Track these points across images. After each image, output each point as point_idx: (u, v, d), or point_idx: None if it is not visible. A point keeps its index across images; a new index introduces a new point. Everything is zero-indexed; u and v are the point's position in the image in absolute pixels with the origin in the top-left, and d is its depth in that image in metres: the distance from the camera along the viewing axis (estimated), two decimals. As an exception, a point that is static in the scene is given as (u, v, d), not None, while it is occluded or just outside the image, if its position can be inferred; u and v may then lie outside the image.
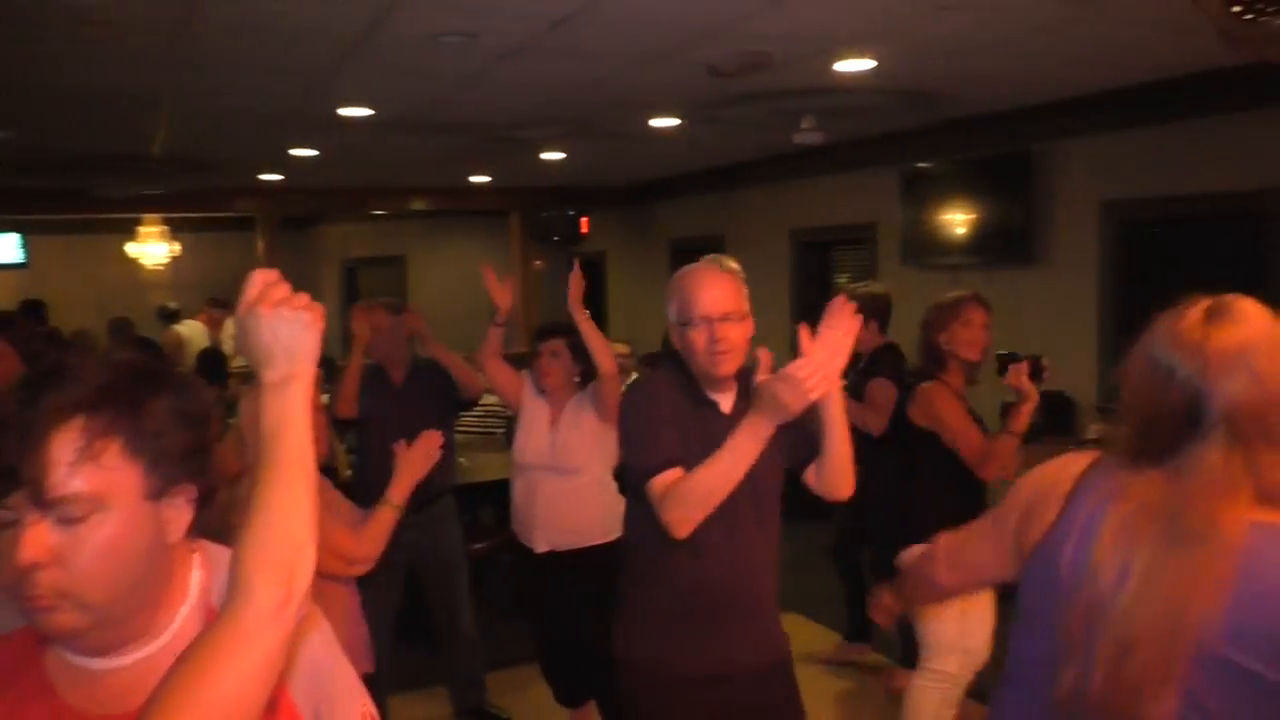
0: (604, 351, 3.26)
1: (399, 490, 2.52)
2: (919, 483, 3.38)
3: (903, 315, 4.54)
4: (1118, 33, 4.08)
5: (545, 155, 7.72)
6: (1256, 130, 4.88)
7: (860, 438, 4.25)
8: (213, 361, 7.36)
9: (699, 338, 2.20)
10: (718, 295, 2.22)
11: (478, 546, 5.20)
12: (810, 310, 8.23)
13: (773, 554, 2.33)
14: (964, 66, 4.73)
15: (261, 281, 1.10)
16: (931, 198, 6.70)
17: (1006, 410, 3.37)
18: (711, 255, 2.38)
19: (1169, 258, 5.55)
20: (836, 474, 2.26)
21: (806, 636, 4.17)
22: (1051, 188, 6.01)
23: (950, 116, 6.16)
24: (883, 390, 4.14)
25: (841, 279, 8.29)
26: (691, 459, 2.07)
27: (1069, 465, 1.41)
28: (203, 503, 1.13)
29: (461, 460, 5.40)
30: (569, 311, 3.33)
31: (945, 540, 1.69)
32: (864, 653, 4.62)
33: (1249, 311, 1.25)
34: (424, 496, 2.71)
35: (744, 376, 2.29)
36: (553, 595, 3.49)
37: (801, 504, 2.47)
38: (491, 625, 4.57)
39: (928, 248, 6.71)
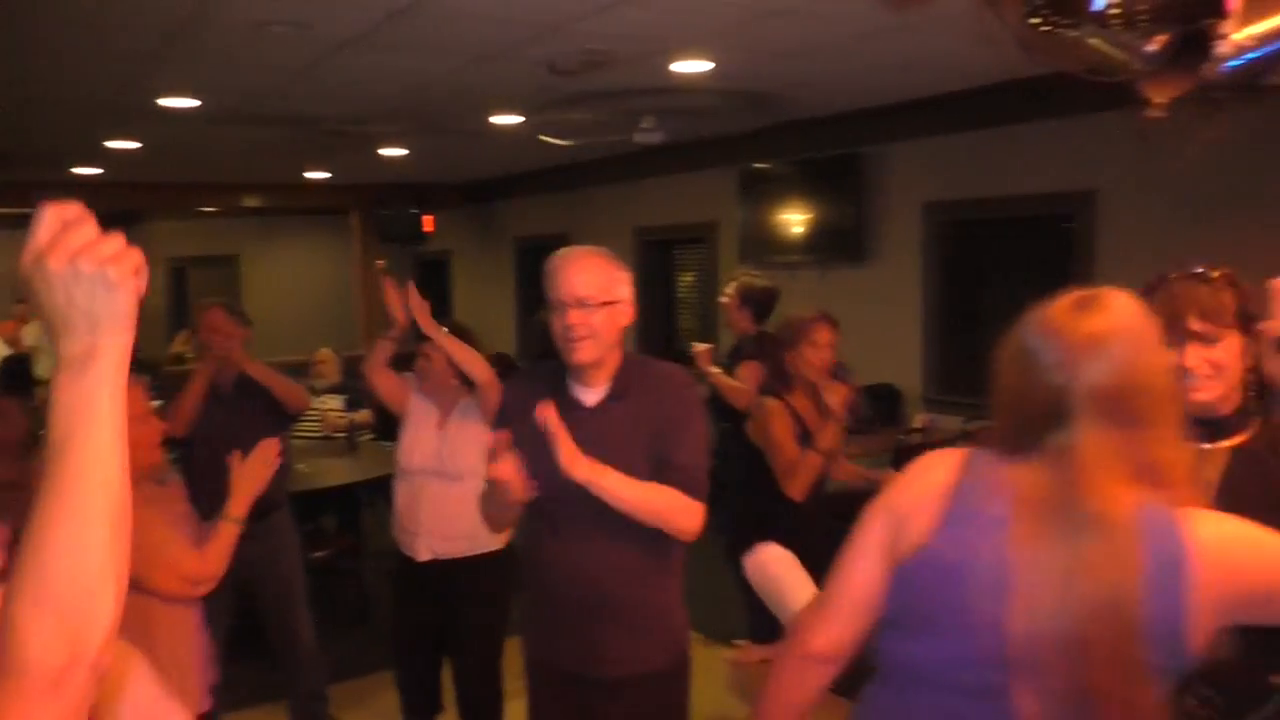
0: (473, 361, 3.16)
1: (239, 504, 2.43)
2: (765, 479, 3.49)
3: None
4: (935, 42, 4.32)
5: (386, 151, 7.55)
6: (1064, 136, 5.24)
7: (722, 418, 4.42)
8: (15, 367, 6.82)
9: (558, 322, 2.13)
10: (577, 279, 2.12)
11: (319, 555, 5.05)
12: (653, 308, 8.39)
13: (643, 563, 2.20)
14: (796, 70, 4.90)
15: (55, 221, 0.84)
16: (768, 198, 6.91)
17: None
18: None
19: (985, 255, 5.91)
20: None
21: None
22: (879, 189, 6.30)
23: (785, 119, 6.37)
24: (751, 371, 4.31)
25: (686, 277, 8.46)
26: (541, 459, 2.04)
27: (934, 467, 1.37)
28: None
29: (301, 466, 5.22)
30: (419, 326, 3.21)
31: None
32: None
33: (1114, 301, 1.26)
34: (258, 509, 2.60)
35: (626, 369, 2.21)
36: (430, 604, 3.36)
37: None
38: (334, 636, 4.43)
39: (766, 246, 6.92)
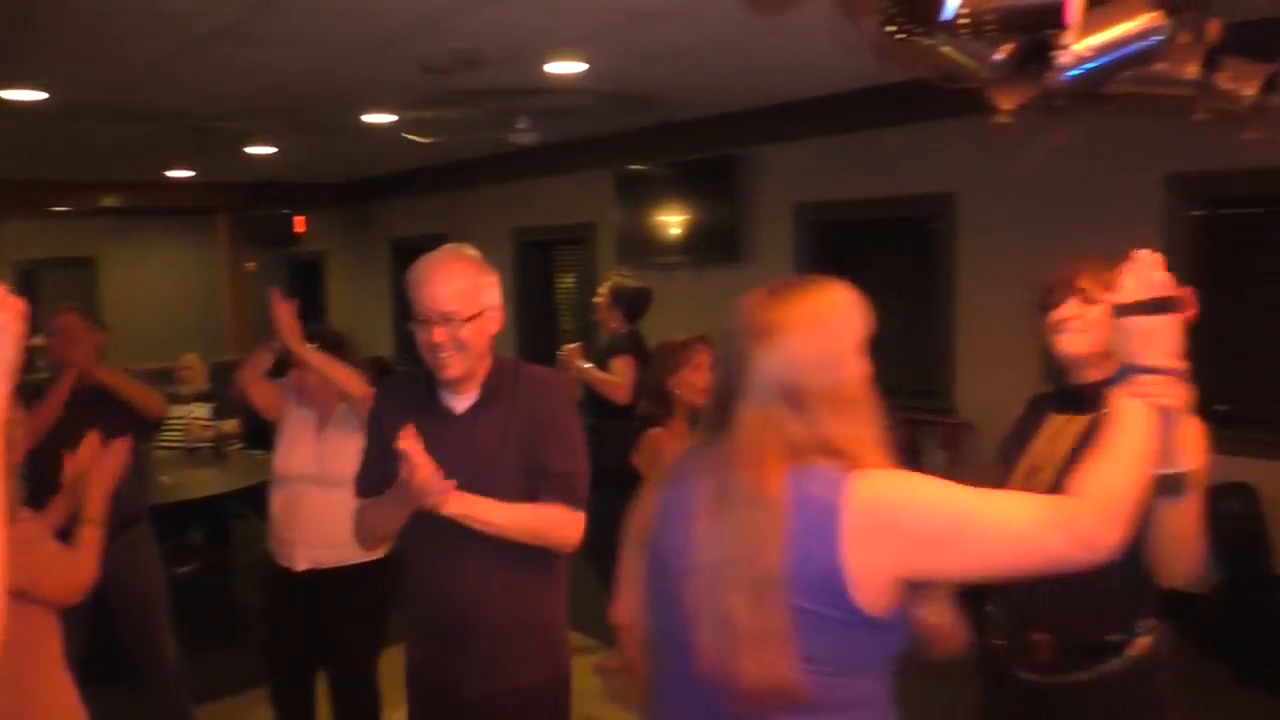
0: (346, 379, 3.06)
1: (94, 504, 2.36)
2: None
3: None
4: (802, 47, 4.44)
5: (253, 150, 7.30)
6: (926, 140, 5.45)
7: (597, 415, 4.43)
8: None
9: (423, 337, 2.02)
10: (441, 291, 2.00)
11: (185, 570, 4.85)
12: (532, 310, 8.37)
13: (520, 578, 2.12)
14: (669, 73, 4.96)
15: None
16: (646, 199, 6.98)
17: None
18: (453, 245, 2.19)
19: (854, 255, 6.10)
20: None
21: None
22: (753, 190, 6.44)
23: (661, 121, 6.44)
24: (624, 365, 4.35)
25: (566, 279, 8.46)
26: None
27: (673, 457, 1.52)
28: None
29: (164, 478, 5.01)
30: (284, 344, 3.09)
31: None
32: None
33: (801, 292, 1.33)
34: (115, 523, 2.49)
35: (497, 373, 2.14)
36: (306, 616, 3.25)
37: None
38: (201, 654, 4.26)
39: (643, 247, 6.98)
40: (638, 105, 5.79)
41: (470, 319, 2.01)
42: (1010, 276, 4.88)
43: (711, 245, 6.56)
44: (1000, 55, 3.32)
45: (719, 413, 1.36)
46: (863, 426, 1.31)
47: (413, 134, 6.10)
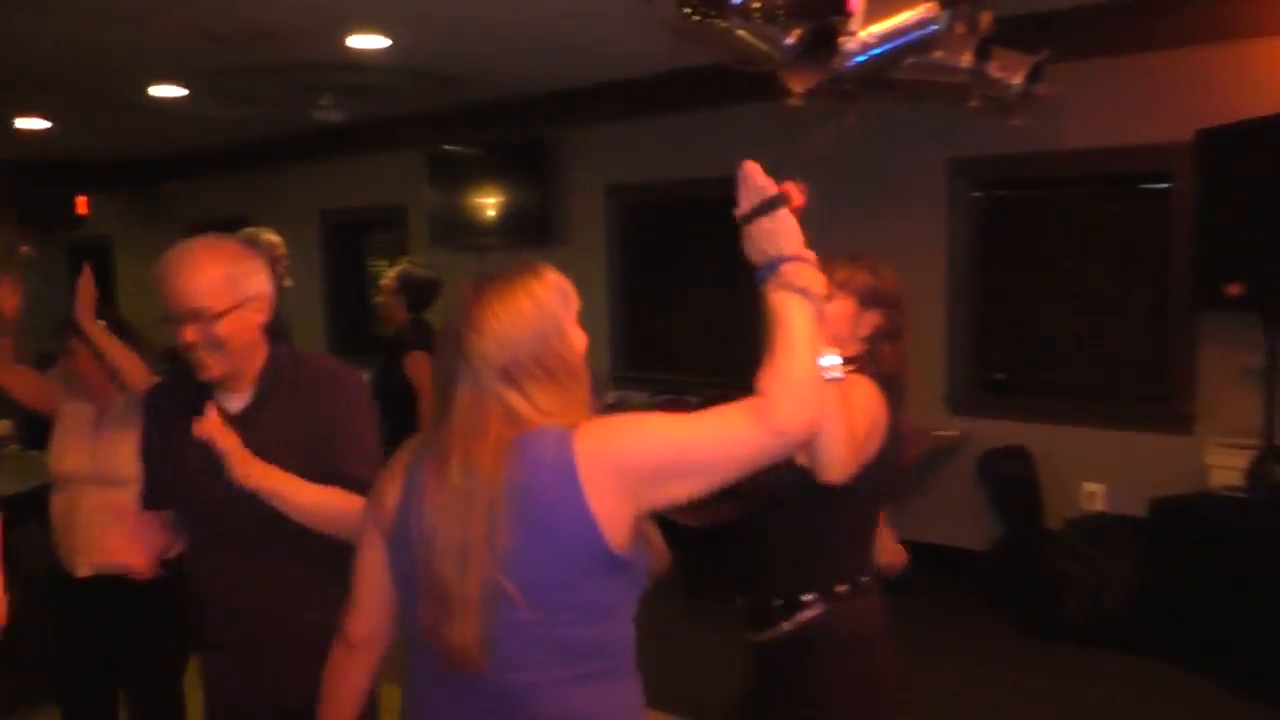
0: (127, 364, 2.80)
1: None
2: None
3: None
4: (608, 29, 4.47)
5: (23, 123, 6.72)
6: (732, 122, 5.57)
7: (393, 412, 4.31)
8: None
9: (178, 336, 1.82)
10: (190, 287, 1.80)
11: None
12: (342, 295, 8.10)
13: (323, 580, 1.88)
14: (476, 51, 4.89)
15: None
16: (459, 180, 6.86)
17: None
18: (215, 232, 2.01)
19: (668, 236, 6.21)
20: None
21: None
22: (565, 172, 6.44)
23: (473, 101, 6.35)
24: (419, 362, 4.20)
25: (381, 263, 8.21)
26: (186, 474, 1.87)
27: (403, 450, 1.49)
28: None
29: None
30: (75, 318, 2.81)
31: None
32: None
33: (509, 278, 1.39)
34: None
35: (274, 368, 1.96)
36: (98, 627, 2.99)
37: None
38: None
39: (457, 229, 6.87)
40: (447, 84, 5.68)
41: (225, 313, 1.81)
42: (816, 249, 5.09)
43: (525, 227, 6.53)
44: (791, 40, 3.46)
45: (443, 398, 1.40)
46: (576, 394, 1.39)
47: (206, 110, 5.76)
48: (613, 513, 1.30)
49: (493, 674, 1.33)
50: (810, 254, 1.44)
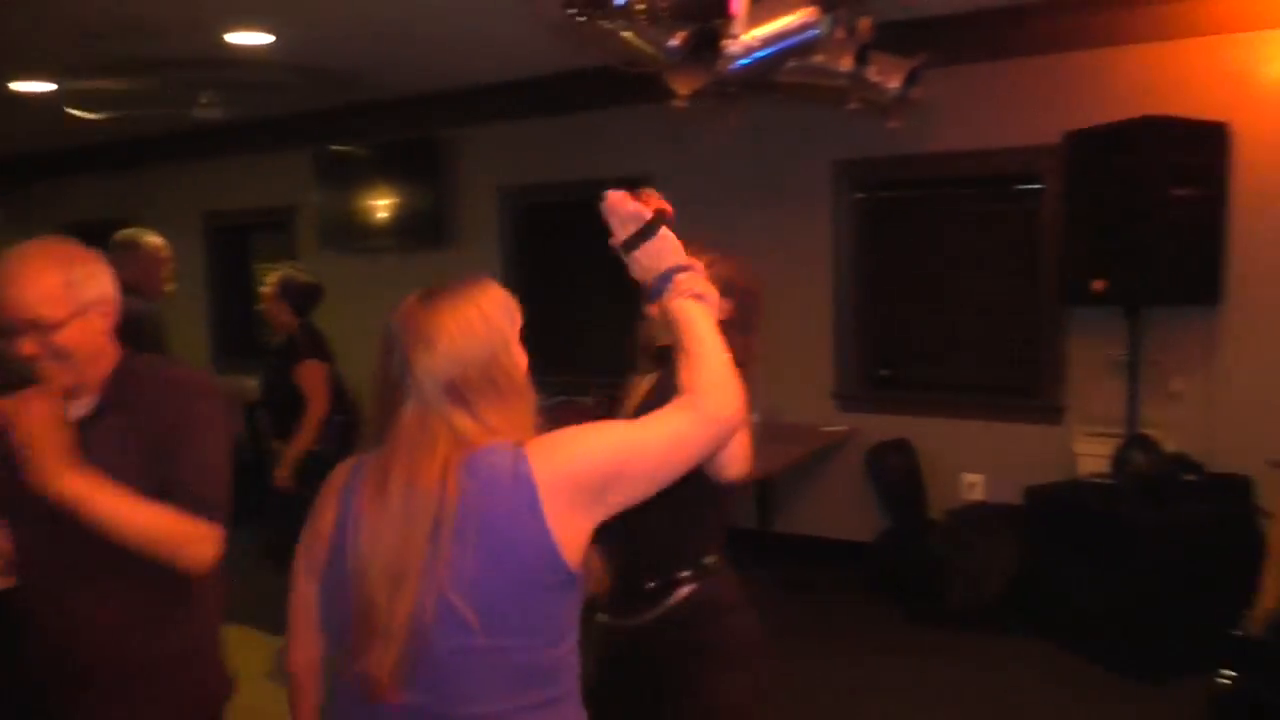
0: None
1: None
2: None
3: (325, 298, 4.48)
4: (496, 28, 4.44)
5: (-126, 119, 6.34)
6: (623, 124, 5.60)
7: (277, 417, 4.19)
8: None
9: (14, 348, 1.71)
10: (24, 296, 1.67)
11: None
12: (227, 299, 7.85)
13: (151, 608, 1.80)
14: (363, 49, 4.81)
15: None
16: (348, 182, 6.72)
17: None
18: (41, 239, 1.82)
19: (562, 238, 6.20)
20: None
21: (260, 652, 3.89)
22: (457, 173, 6.37)
23: (362, 100, 6.23)
24: (312, 371, 4.08)
25: (267, 267, 7.98)
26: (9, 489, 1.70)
27: (335, 475, 1.45)
28: None
29: None
30: None
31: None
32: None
33: (453, 295, 1.38)
34: None
35: (122, 376, 1.83)
36: None
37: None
38: None
39: (347, 231, 6.73)
40: (333, 82, 5.56)
41: (65, 321, 1.70)
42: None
43: (417, 229, 6.44)
44: (675, 42, 3.50)
45: (384, 416, 1.36)
46: (523, 412, 1.39)
47: (76, 108, 5.51)
48: (571, 529, 1.30)
49: (438, 706, 1.29)
50: (694, 261, 1.50)
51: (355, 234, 6.70)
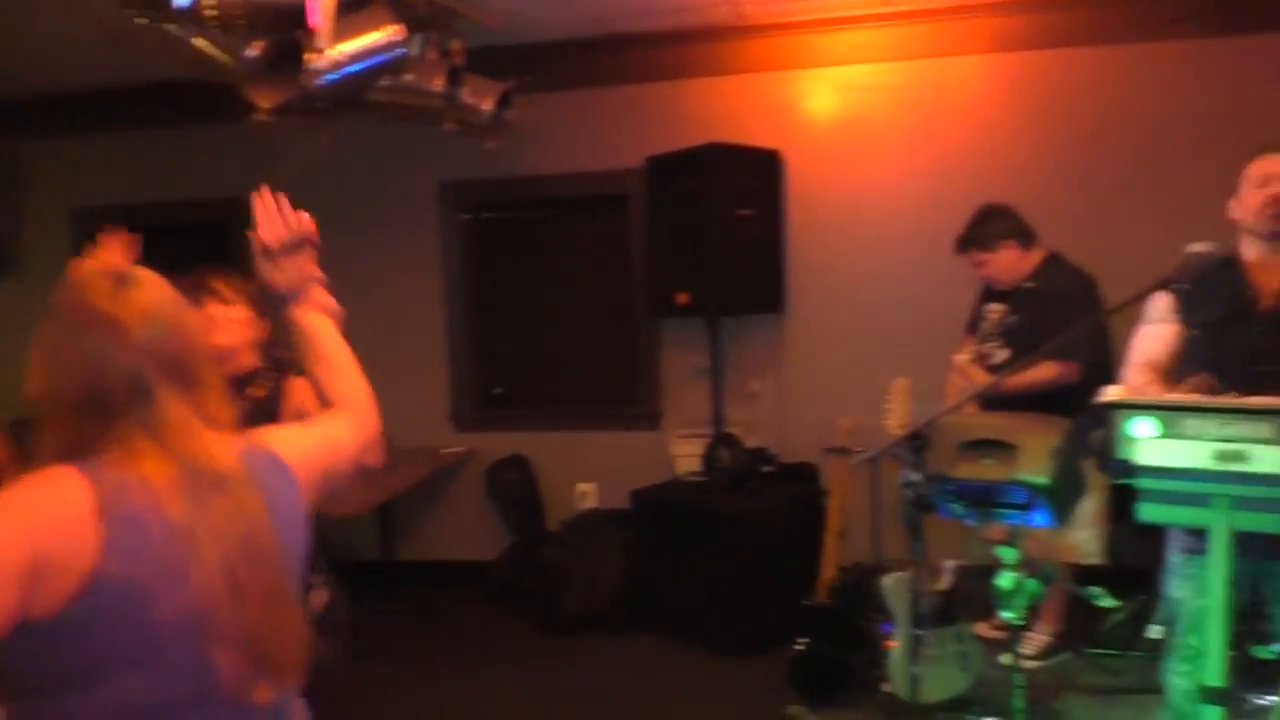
0: None
1: None
2: None
3: None
4: (56, 31, 3.98)
5: None
6: (220, 143, 5.20)
7: None
8: None
9: None
10: None
11: None
12: None
13: None
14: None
15: None
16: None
17: None
18: None
19: (142, 264, 5.65)
20: None
21: None
22: (26, 192, 5.62)
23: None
24: None
25: None
26: None
27: (48, 503, 1.17)
28: None
29: None
30: None
31: None
32: None
33: (144, 274, 1.32)
34: None
35: None
36: None
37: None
38: None
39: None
40: None
41: None
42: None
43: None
44: (254, 52, 3.34)
45: (99, 421, 1.21)
46: (229, 406, 1.37)
47: None
48: (307, 517, 1.39)
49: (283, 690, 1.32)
50: (321, 275, 1.59)
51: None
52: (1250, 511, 1.76)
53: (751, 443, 4.46)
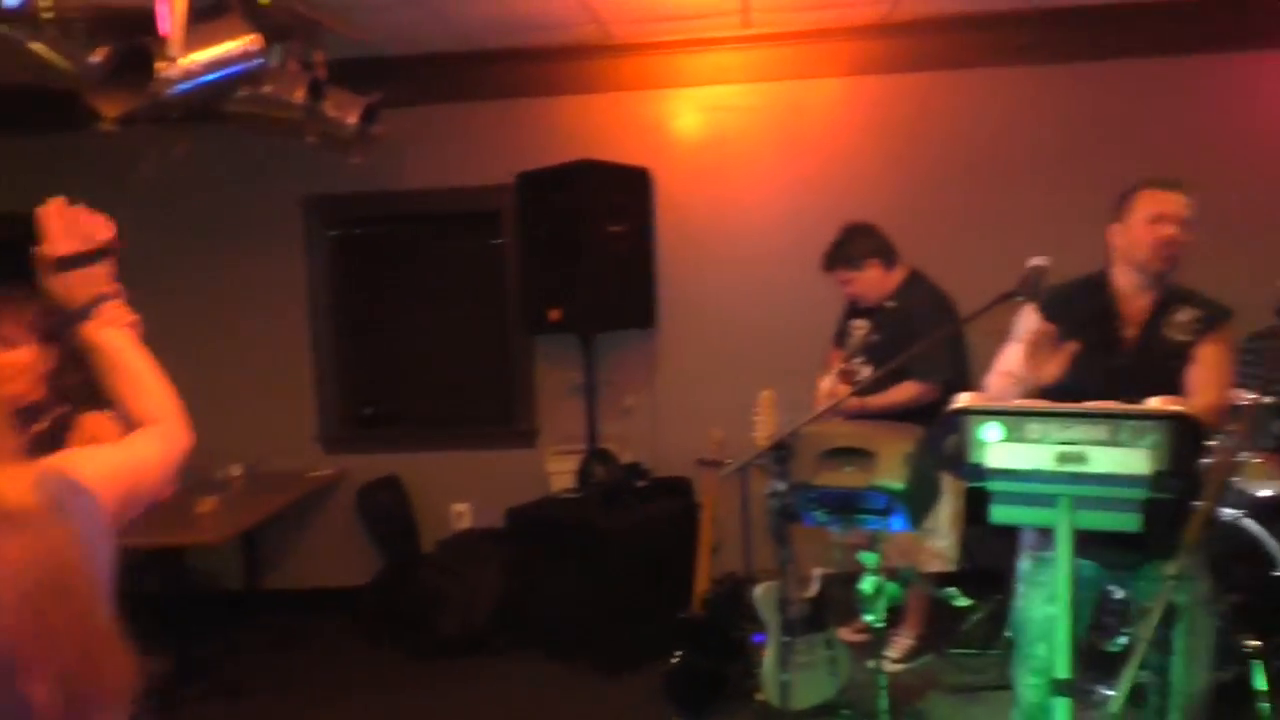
0: None
1: None
2: None
3: None
4: None
5: None
6: (56, 151, 4.88)
7: None
8: None
9: None
10: None
11: None
12: None
13: None
14: None
15: None
16: None
17: None
18: None
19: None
20: None
21: None
22: None
23: None
24: None
25: None
26: None
27: None
28: None
29: None
30: None
31: None
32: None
33: None
34: None
35: None
36: None
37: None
38: None
39: None
40: None
41: None
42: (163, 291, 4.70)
43: None
44: (98, 59, 3.18)
45: None
46: (10, 431, 1.26)
47: None
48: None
49: None
50: (118, 288, 1.48)
51: None
52: (1090, 510, 1.84)
53: (626, 458, 4.47)
